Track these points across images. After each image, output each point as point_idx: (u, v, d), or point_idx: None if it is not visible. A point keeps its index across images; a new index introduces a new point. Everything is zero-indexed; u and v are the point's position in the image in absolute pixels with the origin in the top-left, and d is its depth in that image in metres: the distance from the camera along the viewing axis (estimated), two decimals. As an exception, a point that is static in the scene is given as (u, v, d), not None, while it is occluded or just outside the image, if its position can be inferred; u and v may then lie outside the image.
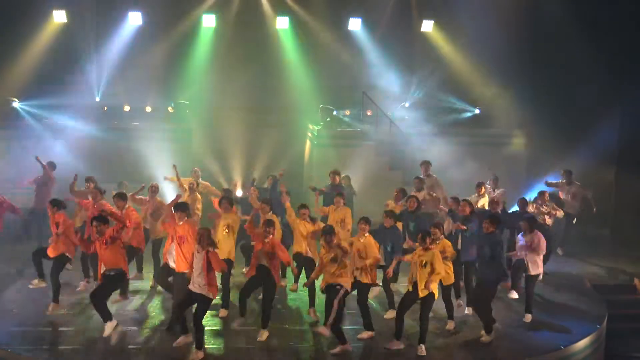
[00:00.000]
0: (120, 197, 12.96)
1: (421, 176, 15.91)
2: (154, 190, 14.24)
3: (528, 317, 12.20)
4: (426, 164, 16.44)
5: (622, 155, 18.86)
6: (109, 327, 10.53)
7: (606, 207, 18.57)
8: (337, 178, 15.54)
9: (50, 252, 12.12)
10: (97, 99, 20.65)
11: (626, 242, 17.69)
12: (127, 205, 12.93)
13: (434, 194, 15.18)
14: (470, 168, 18.42)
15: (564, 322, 12.12)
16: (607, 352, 12.35)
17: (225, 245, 12.06)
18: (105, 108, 20.67)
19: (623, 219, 18.53)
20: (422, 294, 10.63)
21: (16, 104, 19.64)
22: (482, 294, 11.34)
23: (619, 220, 18.74)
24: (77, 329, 11.18)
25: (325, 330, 10.56)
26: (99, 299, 10.58)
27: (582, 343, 11.31)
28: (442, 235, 11.62)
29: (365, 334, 11.23)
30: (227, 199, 12.76)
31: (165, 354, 10.45)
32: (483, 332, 11.31)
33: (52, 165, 16.27)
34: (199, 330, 10.24)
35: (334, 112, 20.59)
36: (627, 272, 15.56)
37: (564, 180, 16.92)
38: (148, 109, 20.71)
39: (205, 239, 10.22)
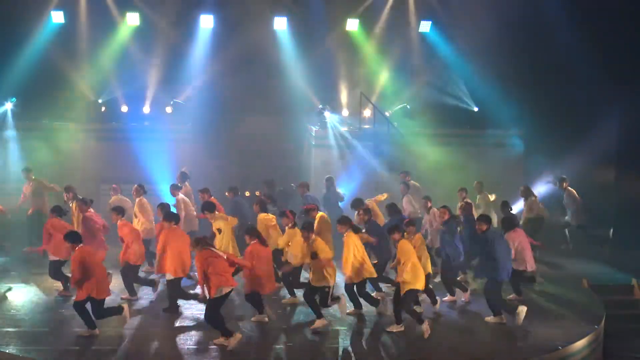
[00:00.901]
0: (117, 210, 13.06)
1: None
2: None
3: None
4: (405, 173, 17.27)
5: (621, 155, 18.86)
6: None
7: (606, 208, 18.57)
8: (304, 190, 16.03)
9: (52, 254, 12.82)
10: (97, 100, 20.65)
11: (625, 242, 17.66)
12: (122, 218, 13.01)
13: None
14: (467, 169, 18.41)
15: (562, 323, 12.13)
16: (605, 352, 12.34)
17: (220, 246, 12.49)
18: (104, 109, 20.68)
19: (623, 219, 18.50)
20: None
21: (9, 105, 19.60)
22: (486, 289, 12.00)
23: (618, 221, 18.71)
24: (74, 330, 11.15)
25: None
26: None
27: (580, 343, 11.29)
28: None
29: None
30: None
31: (167, 353, 10.45)
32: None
33: (27, 171, 16.41)
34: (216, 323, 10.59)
35: (325, 111, 20.52)
36: (625, 272, 15.56)
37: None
38: (146, 110, 20.71)
39: (195, 243, 10.65)
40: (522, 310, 11.58)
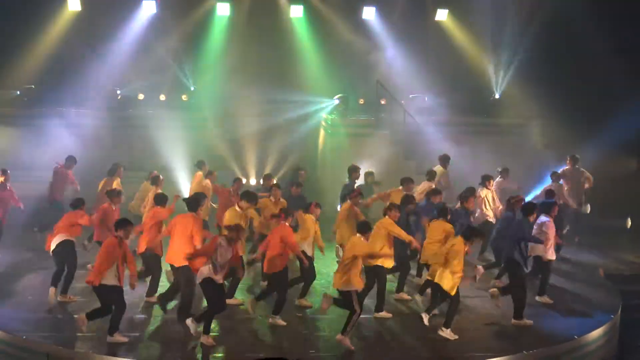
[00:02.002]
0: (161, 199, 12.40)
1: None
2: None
3: (543, 299, 12.46)
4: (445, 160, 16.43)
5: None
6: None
7: (627, 198, 18.40)
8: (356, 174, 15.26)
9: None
10: (113, 88, 20.71)
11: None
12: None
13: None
14: (484, 159, 18.28)
15: (578, 312, 12.10)
16: (621, 342, 12.28)
17: None
18: (120, 96, 20.76)
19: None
20: None
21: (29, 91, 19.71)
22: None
23: (637, 211, 18.51)
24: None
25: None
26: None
27: (596, 333, 11.26)
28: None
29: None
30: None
31: (173, 342, 10.48)
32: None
33: (71, 160, 15.71)
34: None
35: (341, 100, 20.42)
36: (642, 262, 15.49)
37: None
38: (162, 98, 20.77)
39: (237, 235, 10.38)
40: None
